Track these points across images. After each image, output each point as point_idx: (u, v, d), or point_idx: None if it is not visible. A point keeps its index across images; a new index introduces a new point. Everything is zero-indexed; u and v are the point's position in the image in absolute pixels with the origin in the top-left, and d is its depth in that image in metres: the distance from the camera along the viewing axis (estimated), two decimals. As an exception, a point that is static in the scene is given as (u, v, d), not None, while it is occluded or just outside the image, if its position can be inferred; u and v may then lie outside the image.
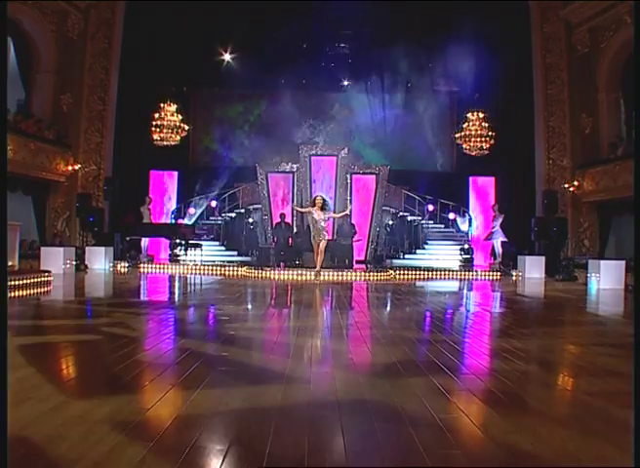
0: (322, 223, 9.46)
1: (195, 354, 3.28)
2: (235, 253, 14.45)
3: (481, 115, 14.32)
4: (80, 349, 3.47)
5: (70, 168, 13.78)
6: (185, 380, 2.70)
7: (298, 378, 2.81)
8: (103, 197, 13.74)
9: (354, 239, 13.87)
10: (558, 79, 14.51)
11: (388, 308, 6.35)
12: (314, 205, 9.55)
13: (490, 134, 14.20)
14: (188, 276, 10.95)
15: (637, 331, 2.93)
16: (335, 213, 10.85)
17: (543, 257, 11.71)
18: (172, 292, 8.02)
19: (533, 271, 11.43)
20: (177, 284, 9.66)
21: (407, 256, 14.69)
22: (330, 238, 10.23)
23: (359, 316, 5.57)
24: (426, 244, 15.25)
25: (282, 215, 13.83)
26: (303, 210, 10.32)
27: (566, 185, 13.96)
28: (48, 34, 13.54)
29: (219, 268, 11.61)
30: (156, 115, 14.15)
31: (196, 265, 11.83)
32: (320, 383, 2.76)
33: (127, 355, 3.21)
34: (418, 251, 15.01)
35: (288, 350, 3.51)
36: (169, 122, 14.17)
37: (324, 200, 9.69)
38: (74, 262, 10.18)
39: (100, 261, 11.24)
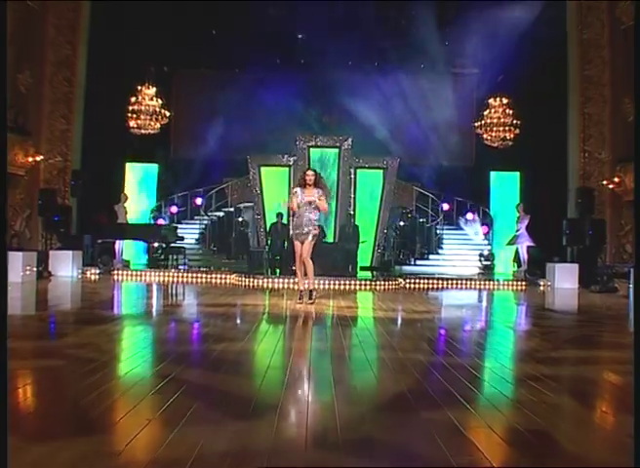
0: (308, 213, 7.31)
1: (176, 381, 3.26)
2: (223, 257, 14.48)
3: (505, 101, 14.33)
4: (39, 377, 3.43)
5: (31, 159, 13.74)
6: (164, 414, 2.68)
7: (293, 412, 2.79)
8: (71, 193, 13.75)
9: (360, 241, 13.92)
10: (598, 58, 14.33)
11: (397, 325, 6.34)
12: (304, 183, 7.41)
13: (515, 122, 14.22)
14: (169, 285, 10.93)
15: (637, 331, 2.97)
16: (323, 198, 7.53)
17: (577, 265, 11.71)
18: (150, 305, 8.01)
19: (564, 281, 11.43)
20: (155, 294, 9.64)
21: (418, 263, 14.74)
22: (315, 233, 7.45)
23: (362, 333, 5.56)
24: (441, 248, 15.28)
25: (278, 215, 13.84)
26: (294, 201, 7.47)
27: (604, 182, 13.91)
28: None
29: (204, 275, 11.63)
30: (132, 99, 14.16)
31: (178, 272, 11.83)
32: (319, 418, 2.75)
33: (96, 384, 3.18)
34: (431, 256, 15.05)
35: (282, 376, 3.49)
36: (147, 107, 14.19)
37: (317, 173, 7.59)
38: (35, 269, 10.17)
39: (66, 268, 11.24)
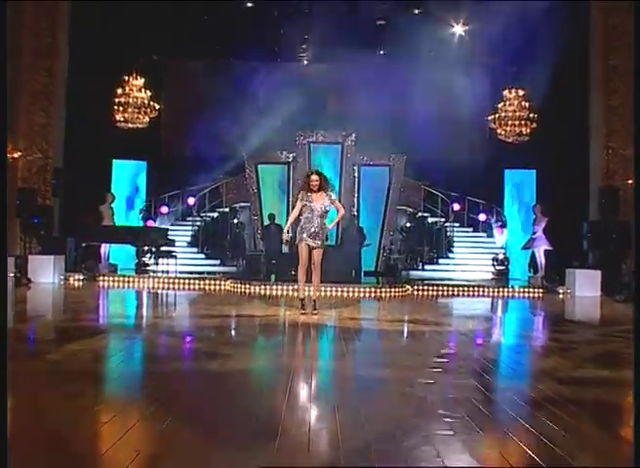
0: (319, 218, 7.34)
1: (167, 405, 3.26)
2: (217, 261, 14.51)
3: (521, 93, 14.31)
4: (16, 402, 3.34)
5: (8, 156, 13.74)
6: (154, 445, 2.68)
7: (293, 438, 2.79)
8: (52, 193, 13.71)
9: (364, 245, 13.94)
10: (624, 45, 14.20)
11: (405, 338, 6.34)
12: (308, 188, 7.39)
13: (532, 116, 14.20)
14: (159, 292, 10.95)
15: (637, 331, 2.99)
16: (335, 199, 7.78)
17: (599, 272, 11.69)
18: (139, 316, 8.01)
19: (585, 288, 11.43)
20: (145, 303, 9.65)
21: (427, 267, 14.76)
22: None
23: (367, 348, 5.56)
24: (451, 252, 15.29)
25: (271, 216, 13.86)
26: (296, 210, 7.57)
27: (630, 181, 13.89)
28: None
29: (197, 282, 11.67)
30: (119, 91, 14.15)
31: (169, 278, 11.85)
32: (321, 446, 2.74)
33: (80, 409, 3.17)
34: (440, 260, 15.07)
35: (281, 399, 3.49)
36: (135, 99, 14.19)
37: (321, 176, 7.47)
38: (13, 275, 10.17)
39: (47, 274, 11.24)
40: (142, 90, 14.30)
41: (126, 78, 14.19)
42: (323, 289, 10.05)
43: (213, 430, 2.91)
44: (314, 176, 7.42)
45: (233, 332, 6.64)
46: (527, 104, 14.30)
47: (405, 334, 6.71)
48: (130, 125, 14.30)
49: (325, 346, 5.78)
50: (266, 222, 14.08)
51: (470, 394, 3.68)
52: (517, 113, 14.30)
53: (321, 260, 7.48)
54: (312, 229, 7.32)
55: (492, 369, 4.80)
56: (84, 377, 3.93)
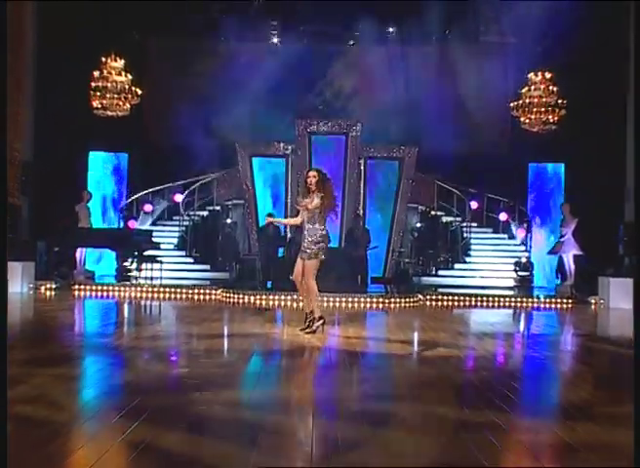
0: (308, 224, 7.27)
1: (151, 450, 3.21)
2: (207, 266, 14.51)
3: (548, 76, 14.24)
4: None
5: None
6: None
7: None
8: (20, 190, 13.69)
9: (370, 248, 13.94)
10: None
11: (418, 364, 6.33)
12: (306, 190, 7.37)
13: (560, 102, 14.12)
14: (142, 303, 10.93)
15: (637, 331, 3.01)
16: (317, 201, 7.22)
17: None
18: (119, 335, 7.96)
19: (620, 299, 11.38)
20: (126, 317, 9.62)
21: (441, 273, 14.74)
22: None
23: (375, 376, 5.53)
24: (468, 255, 15.27)
25: (269, 216, 13.83)
26: (298, 219, 7.59)
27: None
28: None
29: (184, 291, 11.67)
30: (96, 74, 14.11)
31: (153, 287, 11.84)
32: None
33: (50, 457, 3.10)
34: (456, 265, 15.05)
35: (280, 441, 3.46)
36: (114, 84, 14.14)
37: (320, 174, 7.33)
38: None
39: (14, 282, 11.19)
40: (122, 73, 14.25)
41: (103, 59, 14.14)
42: (325, 299, 10.04)
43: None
44: (311, 172, 7.38)
45: (225, 355, 6.62)
46: (554, 89, 14.21)
47: (418, 358, 6.68)
48: (109, 113, 14.29)
49: (328, 373, 5.75)
50: (263, 223, 14.06)
51: (491, 434, 3.63)
52: (543, 99, 14.21)
53: (310, 273, 7.21)
54: (303, 240, 7.31)
55: (515, 401, 4.77)
56: (56, 416, 3.88)
